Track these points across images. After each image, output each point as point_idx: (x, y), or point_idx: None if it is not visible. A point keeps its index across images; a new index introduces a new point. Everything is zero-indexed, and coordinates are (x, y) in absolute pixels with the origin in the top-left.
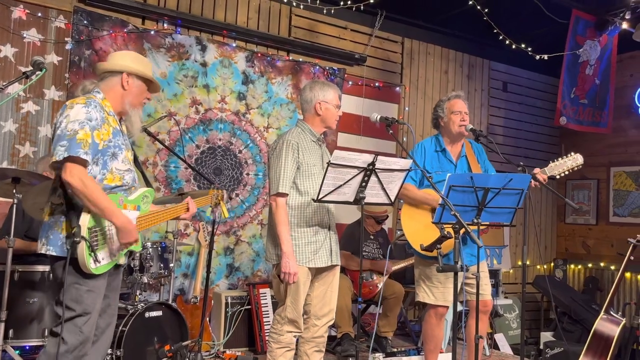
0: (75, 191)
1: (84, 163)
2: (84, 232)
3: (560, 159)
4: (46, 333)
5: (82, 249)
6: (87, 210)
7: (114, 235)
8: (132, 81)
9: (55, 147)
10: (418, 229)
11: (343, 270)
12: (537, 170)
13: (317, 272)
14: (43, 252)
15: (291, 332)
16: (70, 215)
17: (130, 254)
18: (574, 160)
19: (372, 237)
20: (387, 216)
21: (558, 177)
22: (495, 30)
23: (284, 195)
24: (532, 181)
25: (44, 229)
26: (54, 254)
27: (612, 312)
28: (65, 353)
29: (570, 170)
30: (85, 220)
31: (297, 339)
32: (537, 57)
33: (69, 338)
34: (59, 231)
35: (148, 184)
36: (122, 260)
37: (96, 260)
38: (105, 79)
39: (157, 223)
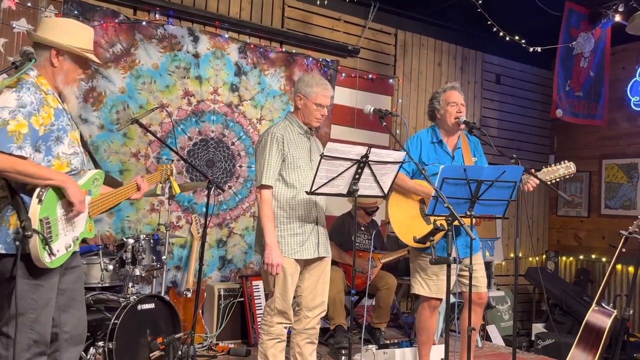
0: (6, 174)
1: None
2: (35, 225)
3: (553, 165)
4: None
5: (35, 243)
6: (37, 199)
7: (70, 220)
8: (62, 58)
9: None
10: (404, 219)
11: (336, 262)
12: (532, 171)
13: (305, 264)
14: None
15: (281, 323)
16: (18, 208)
17: (122, 245)
18: (567, 168)
19: (362, 228)
20: (377, 207)
21: (549, 183)
22: (489, 22)
23: (269, 187)
24: (522, 184)
25: None
26: (3, 251)
27: (603, 304)
28: (20, 352)
29: (562, 178)
30: (35, 210)
31: (289, 331)
32: (531, 49)
33: (19, 337)
34: (6, 226)
35: (97, 166)
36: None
37: (51, 253)
38: (35, 52)
39: (110, 206)
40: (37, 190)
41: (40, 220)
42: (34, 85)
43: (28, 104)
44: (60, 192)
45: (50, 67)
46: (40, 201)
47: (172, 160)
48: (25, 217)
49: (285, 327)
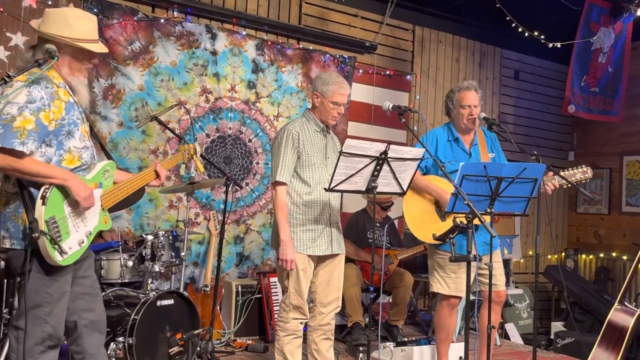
0: (6, 172)
1: (19, 155)
2: (42, 226)
3: (570, 169)
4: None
5: (44, 243)
6: (40, 200)
7: (80, 215)
8: (63, 51)
9: None
10: (418, 216)
11: (352, 259)
12: (550, 174)
13: (319, 261)
14: (8, 246)
15: (297, 318)
16: (26, 208)
17: (142, 242)
18: (583, 173)
19: (378, 224)
20: (392, 203)
21: (565, 187)
22: (508, 18)
23: (283, 184)
24: (542, 185)
25: (2, 220)
26: (18, 247)
27: (626, 303)
28: (34, 346)
29: (578, 183)
30: (40, 212)
31: (305, 327)
32: (550, 45)
33: (32, 330)
34: (19, 223)
35: (109, 157)
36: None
37: (62, 252)
38: (39, 44)
39: (125, 195)
40: (42, 189)
41: (46, 221)
42: (46, 79)
43: (37, 100)
44: (65, 192)
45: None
46: (44, 202)
47: (196, 139)
48: (32, 218)
49: (301, 323)
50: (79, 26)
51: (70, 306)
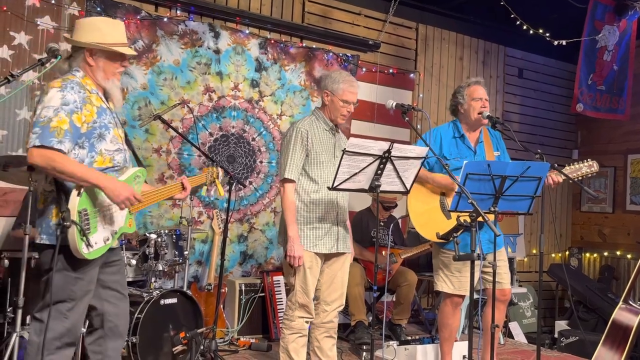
0: (46, 171)
1: (57, 153)
2: (74, 216)
3: (576, 163)
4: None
5: (73, 233)
6: (76, 191)
7: (108, 214)
8: (96, 57)
9: (29, 133)
10: (423, 213)
11: (356, 258)
12: (553, 172)
13: (325, 259)
14: (37, 241)
15: (302, 317)
16: (59, 200)
17: (145, 241)
18: (589, 167)
19: (381, 224)
20: (396, 204)
21: (570, 182)
22: (512, 15)
23: (291, 181)
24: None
25: (38, 217)
26: (46, 242)
27: (631, 302)
28: (52, 340)
29: (584, 177)
30: (74, 203)
31: (310, 326)
32: (555, 42)
33: (52, 324)
34: (50, 218)
35: (140, 164)
36: (116, 244)
37: (89, 244)
38: (74, 54)
39: (151, 203)
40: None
41: (79, 212)
42: (79, 84)
43: (71, 102)
44: (98, 191)
45: (88, 67)
46: (79, 193)
47: (216, 163)
48: (65, 208)
49: (307, 322)
50: (110, 32)
51: (98, 306)
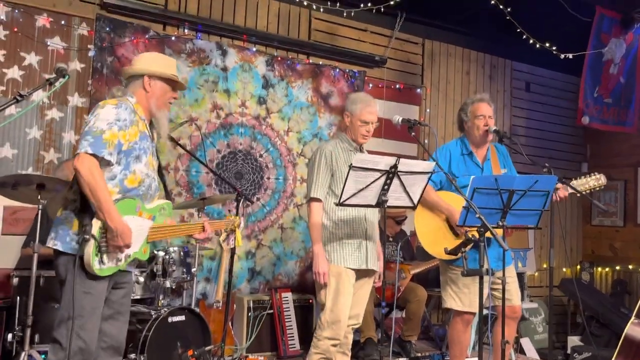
0: (81, 179)
1: (106, 163)
2: (95, 232)
3: (583, 177)
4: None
5: (90, 248)
6: None
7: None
8: (153, 83)
9: (80, 140)
10: (431, 231)
11: None
12: (559, 185)
13: (356, 277)
14: (50, 245)
15: (330, 338)
16: (84, 212)
17: (153, 258)
18: (597, 180)
19: (391, 239)
20: (406, 217)
21: (578, 195)
22: (518, 30)
23: (317, 200)
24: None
25: (55, 223)
26: (60, 248)
27: None
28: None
29: (592, 190)
30: (98, 219)
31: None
32: (562, 56)
33: (66, 342)
34: (68, 227)
35: (168, 197)
36: (127, 267)
37: (101, 261)
38: (130, 83)
39: (169, 237)
40: None
41: (100, 228)
42: (131, 109)
43: (122, 120)
44: (123, 209)
45: (144, 93)
46: None
47: (237, 214)
48: (88, 222)
49: (334, 345)
50: (167, 65)
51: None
